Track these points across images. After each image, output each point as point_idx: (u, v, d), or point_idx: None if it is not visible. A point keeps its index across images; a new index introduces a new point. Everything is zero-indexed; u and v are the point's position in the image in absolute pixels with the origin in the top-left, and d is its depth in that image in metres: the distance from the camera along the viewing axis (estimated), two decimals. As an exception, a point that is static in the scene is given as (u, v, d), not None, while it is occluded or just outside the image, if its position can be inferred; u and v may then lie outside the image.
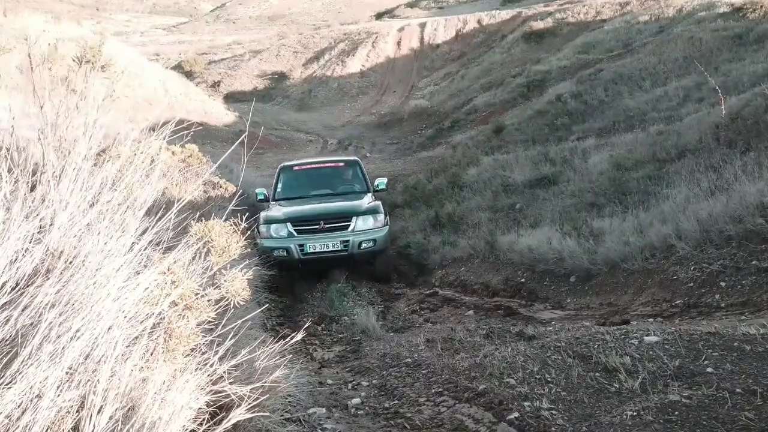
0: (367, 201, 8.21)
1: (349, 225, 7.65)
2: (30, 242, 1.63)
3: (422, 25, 39.57)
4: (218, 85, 37.38)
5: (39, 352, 1.46)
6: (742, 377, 2.69)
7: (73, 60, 1.76)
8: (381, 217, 7.91)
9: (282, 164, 9.47)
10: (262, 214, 7.91)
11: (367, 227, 7.72)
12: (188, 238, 2.17)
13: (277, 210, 8.08)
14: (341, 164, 10.01)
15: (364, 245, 7.58)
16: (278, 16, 65.70)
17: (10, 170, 1.80)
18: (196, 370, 1.91)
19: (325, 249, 7.52)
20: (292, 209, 8.04)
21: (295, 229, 7.58)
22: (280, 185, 9.01)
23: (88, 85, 1.99)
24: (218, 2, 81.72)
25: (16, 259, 1.57)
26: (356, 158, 10.42)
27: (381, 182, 8.85)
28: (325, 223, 7.60)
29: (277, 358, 2.53)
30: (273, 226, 7.66)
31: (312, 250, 7.49)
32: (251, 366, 2.31)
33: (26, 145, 1.96)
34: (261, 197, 8.59)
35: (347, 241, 7.55)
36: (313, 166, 9.76)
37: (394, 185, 11.93)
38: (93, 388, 1.52)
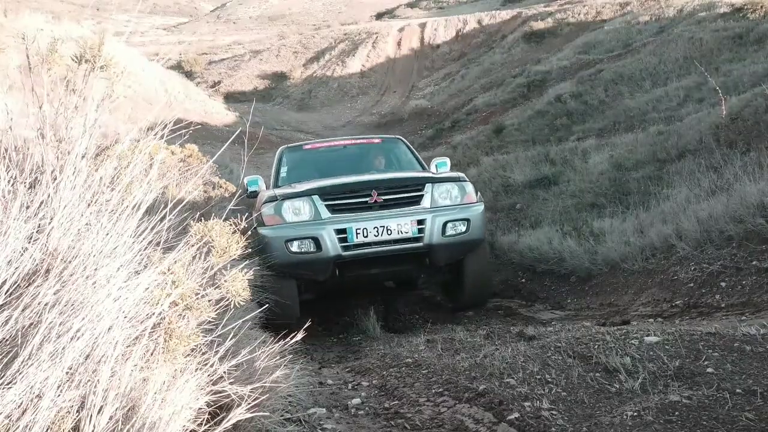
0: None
1: (422, 197, 4.81)
2: (29, 242, 1.63)
3: (422, 26, 39.57)
4: (218, 85, 37.40)
5: (39, 352, 1.45)
6: (742, 377, 2.69)
7: (72, 59, 1.74)
8: (470, 187, 5.07)
9: (284, 146, 6.61)
10: (266, 193, 5.20)
11: (452, 202, 4.88)
12: (188, 238, 2.17)
13: (289, 186, 5.24)
14: (376, 141, 6.84)
15: (450, 229, 4.76)
16: (278, 16, 65.69)
17: (8, 170, 1.80)
18: (196, 370, 1.91)
19: (386, 237, 4.62)
20: (318, 182, 5.17)
21: (328, 206, 4.69)
22: (284, 170, 6.03)
23: (87, 85, 1.99)
24: (218, 2, 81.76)
25: (15, 259, 1.56)
26: (398, 136, 7.28)
27: (442, 163, 5.96)
28: (379, 194, 4.73)
29: (278, 358, 2.53)
30: (286, 204, 4.73)
31: (362, 240, 4.60)
32: (251, 366, 2.30)
33: (25, 144, 1.96)
34: (253, 188, 5.63)
35: (422, 221, 4.69)
36: (334, 144, 6.71)
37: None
38: (93, 388, 1.52)
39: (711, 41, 15.41)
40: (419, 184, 4.91)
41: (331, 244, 4.62)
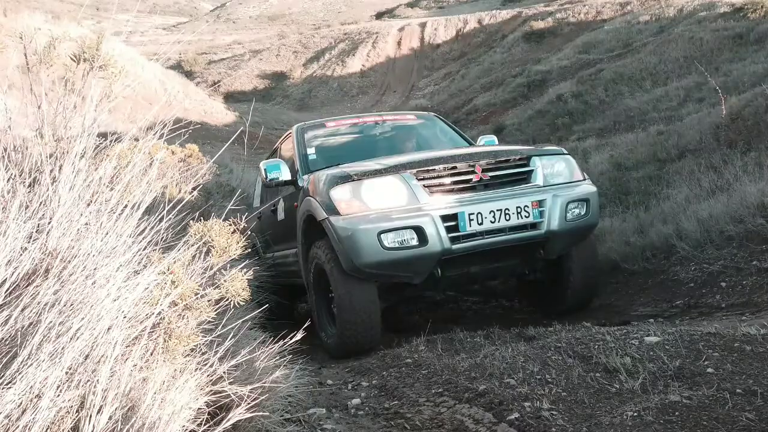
0: None
1: (531, 173, 4.07)
2: (28, 241, 1.63)
3: (422, 25, 39.60)
4: (218, 85, 37.42)
5: (39, 352, 1.45)
6: (742, 378, 2.69)
7: (71, 59, 1.73)
8: (575, 162, 4.39)
9: (299, 125, 5.52)
10: (327, 172, 4.11)
11: (565, 179, 4.19)
12: (188, 237, 2.17)
13: (350, 166, 4.13)
14: (410, 119, 5.86)
15: (571, 211, 4.05)
16: (278, 15, 65.72)
17: (7, 169, 1.80)
18: (195, 370, 1.90)
19: (503, 223, 3.84)
20: (398, 157, 4.35)
21: (425, 186, 3.82)
22: (310, 150, 5.03)
23: (86, 85, 1.99)
24: (218, 2, 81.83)
25: (14, 259, 1.56)
26: (431, 114, 6.30)
27: (490, 141, 5.32)
28: (483, 171, 3.95)
29: (277, 358, 2.53)
30: (368, 183, 3.81)
31: (475, 228, 3.80)
32: (251, 366, 2.30)
33: (24, 144, 1.96)
34: (273, 175, 4.67)
35: (542, 202, 3.96)
36: (362, 121, 5.69)
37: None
38: (93, 388, 1.52)
39: (711, 41, 15.41)
40: (525, 157, 4.12)
41: (438, 236, 3.74)
